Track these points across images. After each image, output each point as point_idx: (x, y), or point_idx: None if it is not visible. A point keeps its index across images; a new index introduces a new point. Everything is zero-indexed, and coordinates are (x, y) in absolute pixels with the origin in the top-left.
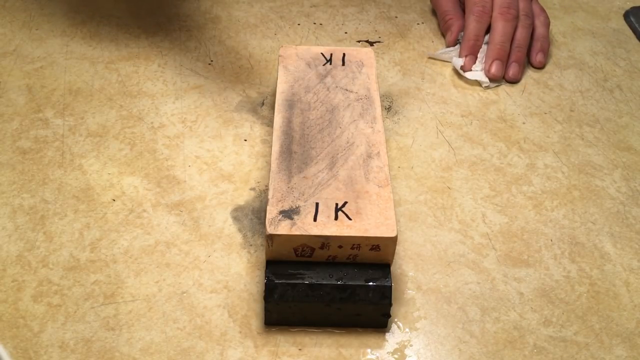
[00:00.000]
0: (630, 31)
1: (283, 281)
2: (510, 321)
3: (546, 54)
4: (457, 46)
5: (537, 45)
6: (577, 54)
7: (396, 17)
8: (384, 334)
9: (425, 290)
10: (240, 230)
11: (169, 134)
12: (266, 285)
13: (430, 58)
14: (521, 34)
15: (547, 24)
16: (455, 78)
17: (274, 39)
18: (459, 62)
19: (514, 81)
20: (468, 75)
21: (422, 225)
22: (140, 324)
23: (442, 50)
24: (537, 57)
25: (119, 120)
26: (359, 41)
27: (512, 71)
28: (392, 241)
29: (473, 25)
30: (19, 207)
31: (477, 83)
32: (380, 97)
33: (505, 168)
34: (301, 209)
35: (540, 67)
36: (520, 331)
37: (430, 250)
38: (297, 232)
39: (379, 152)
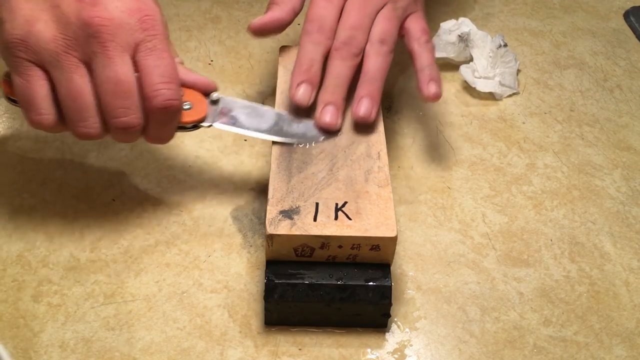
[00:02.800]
0: (630, 31)
1: (283, 281)
2: (510, 321)
3: (439, 83)
4: (452, 36)
5: (423, 75)
6: (577, 54)
7: None
8: (384, 334)
9: (425, 290)
10: (240, 230)
11: None
12: (266, 285)
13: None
14: (373, 64)
15: (431, 48)
16: (455, 78)
17: (274, 39)
18: (467, 73)
19: (366, 121)
20: (480, 87)
21: (422, 225)
22: (140, 323)
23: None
24: (430, 89)
25: None
26: None
27: (363, 108)
28: (392, 241)
29: (308, 48)
30: (19, 207)
31: None
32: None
33: (505, 168)
34: (301, 209)
35: (436, 100)
36: (520, 331)
37: (430, 250)
38: (297, 232)
39: (379, 152)
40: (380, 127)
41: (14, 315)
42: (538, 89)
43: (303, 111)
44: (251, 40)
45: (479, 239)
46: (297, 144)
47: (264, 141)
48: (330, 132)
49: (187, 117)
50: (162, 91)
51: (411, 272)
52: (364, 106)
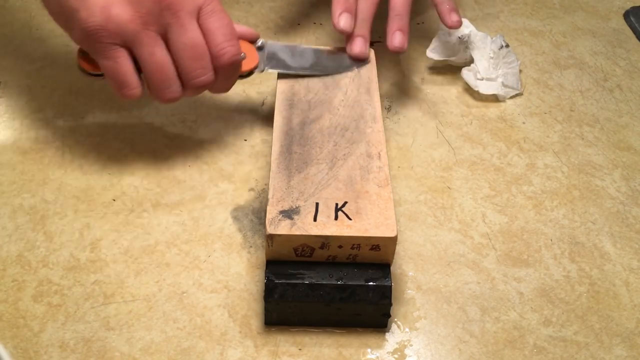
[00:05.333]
0: (630, 31)
1: (283, 281)
2: (510, 321)
3: (458, 12)
4: (452, 38)
5: (444, 7)
6: (577, 54)
7: None
8: (384, 334)
9: (425, 290)
10: (240, 230)
11: (169, 134)
12: (266, 285)
13: (430, 57)
14: (399, 0)
15: None
16: (455, 78)
17: (274, 39)
18: (469, 76)
19: (401, 51)
20: (482, 89)
21: (422, 225)
22: (140, 323)
23: (433, 46)
24: (453, 18)
25: (119, 120)
26: None
27: (397, 40)
28: (392, 241)
29: None
30: (19, 207)
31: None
32: (380, 97)
33: (505, 168)
34: (301, 208)
35: (458, 27)
36: (520, 331)
37: (430, 250)
38: (297, 232)
39: (379, 152)
40: (380, 127)
41: (14, 315)
42: (538, 89)
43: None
44: None
45: (479, 239)
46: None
47: (264, 141)
48: (361, 60)
49: (245, 66)
50: (228, 49)
51: (411, 272)
52: (398, 38)
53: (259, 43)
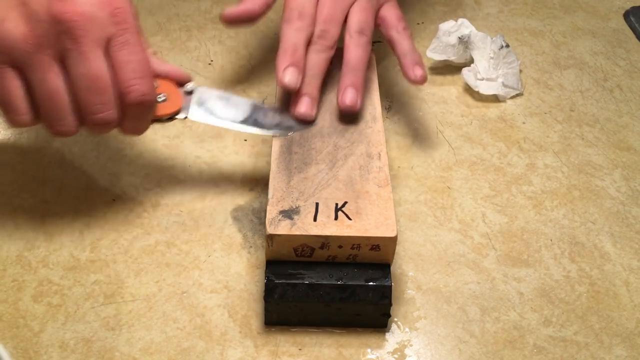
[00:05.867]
0: (630, 31)
1: (283, 281)
2: (510, 321)
3: (423, 66)
4: (451, 38)
5: (407, 60)
6: (577, 54)
7: None
8: (384, 334)
9: (425, 290)
10: (240, 230)
11: (169, 134)
12: (266, 285)
13: (430, 57)
14: (354, 55)
15: (409, 35)
16: (455, 78)
17: (274, 39)
18: (469, 76)
19: (352, 111)
20: (483, 90)
21: (422, 225)
22: (140, 323)
23: (433, 46)
24: (416, 72)
25: None
26: None
27: (348, 97)
28: (392, 241)
29: (290, 34)
30: (19, 207)
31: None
32: (380, 97)
33: (505, 168)
34: (301, 208)
35: (423, 82)
36: (520, 331)
37: (430, 250)
38: (297, 232)
39: (379, 152)
40: (380, 127)
41: (14, 315)
42: (538, 89)
43: (282, 102)
44: (251, 40)
45: (479, 239)
46: (272, 135)
47: (264, 141)
48: (305, 122)
49: (163, 110)
50: (136, 87)
51: (411, 272)
52: (349, 96)
53: (189, 87)
